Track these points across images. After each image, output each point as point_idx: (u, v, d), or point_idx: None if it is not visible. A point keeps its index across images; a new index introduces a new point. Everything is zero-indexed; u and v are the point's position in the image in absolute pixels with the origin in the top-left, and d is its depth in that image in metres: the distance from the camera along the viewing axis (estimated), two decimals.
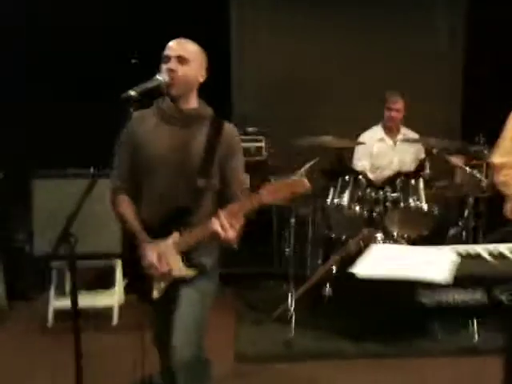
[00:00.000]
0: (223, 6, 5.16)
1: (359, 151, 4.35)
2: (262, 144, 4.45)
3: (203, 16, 4.71)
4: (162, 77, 2.12)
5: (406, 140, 4.22)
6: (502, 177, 2.40)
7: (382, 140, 4.37)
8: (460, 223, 3.86)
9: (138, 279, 2.26)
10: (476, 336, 3.39)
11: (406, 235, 3.58)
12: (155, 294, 2.20)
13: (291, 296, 3.65)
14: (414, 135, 4.35)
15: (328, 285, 3.57)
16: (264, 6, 5.20)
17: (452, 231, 3.87)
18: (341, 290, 3.46)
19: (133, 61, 4.23)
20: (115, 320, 3.79)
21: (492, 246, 1.48)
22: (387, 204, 3.59)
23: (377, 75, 5.00)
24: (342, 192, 3.65)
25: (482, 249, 1.48)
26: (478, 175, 3.64)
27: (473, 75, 5.52)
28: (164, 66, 2.16)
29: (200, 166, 2.19)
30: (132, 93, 1.99)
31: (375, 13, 5.13)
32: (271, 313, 3.72)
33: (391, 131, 4.38)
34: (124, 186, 2.30)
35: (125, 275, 2.42)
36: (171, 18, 4.62)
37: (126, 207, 2.29)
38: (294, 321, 3.52)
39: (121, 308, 3.82)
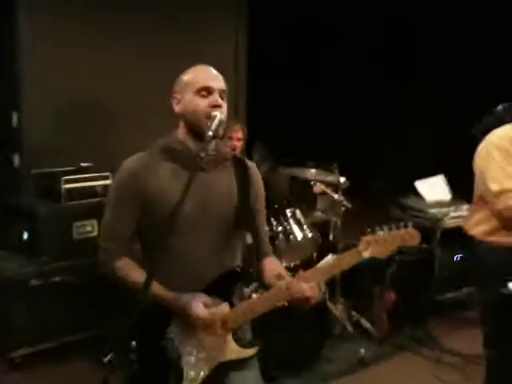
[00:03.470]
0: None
1: None
2: (109, 181, 3.74)
3: None
4: (217, 113, 1.76)
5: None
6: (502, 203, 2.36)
7: None
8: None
9: (159, 364, 1.75)
10: (362, 350, 3.65)
11: (292, 264, 3.60)
12: None
13: None
14: (250, 162, 4.36)
15: None
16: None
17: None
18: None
19: None
20: None
21: None
22: (279, 237, 3.55)
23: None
24: None
25: None
26: (339, 198, 3.86)
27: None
28: (206, 101, 1.78)
29: (239, 217, 1.84)
30: (210, 133, 1.73)
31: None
32: None
33: None
34: (124, 251, 1.80)
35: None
36: None
37: (133, 269, 1.79)
38: None
39: None
